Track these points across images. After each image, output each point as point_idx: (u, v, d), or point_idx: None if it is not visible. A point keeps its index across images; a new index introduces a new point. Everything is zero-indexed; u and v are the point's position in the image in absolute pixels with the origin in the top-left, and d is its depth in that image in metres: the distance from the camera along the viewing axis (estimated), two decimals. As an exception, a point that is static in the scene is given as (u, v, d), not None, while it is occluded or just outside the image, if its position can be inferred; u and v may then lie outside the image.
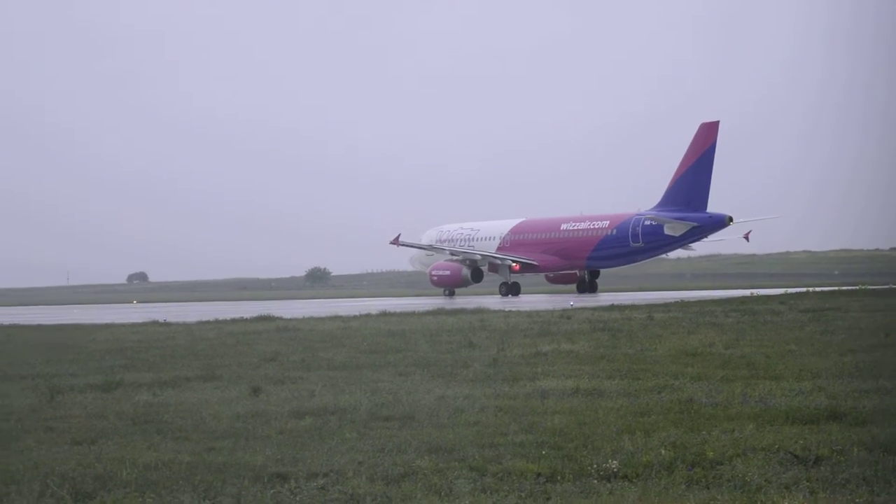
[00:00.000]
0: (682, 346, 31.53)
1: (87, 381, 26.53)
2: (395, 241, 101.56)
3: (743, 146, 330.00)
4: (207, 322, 52.00)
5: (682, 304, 56.58)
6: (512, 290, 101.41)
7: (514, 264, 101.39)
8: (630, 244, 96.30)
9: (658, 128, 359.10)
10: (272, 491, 14.28)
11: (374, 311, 56.37)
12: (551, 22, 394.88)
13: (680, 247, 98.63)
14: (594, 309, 53.71)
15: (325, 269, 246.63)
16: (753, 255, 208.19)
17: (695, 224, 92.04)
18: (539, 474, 14.71)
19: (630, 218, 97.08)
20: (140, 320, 56.43)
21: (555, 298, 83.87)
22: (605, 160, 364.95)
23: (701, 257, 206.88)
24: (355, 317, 52.09)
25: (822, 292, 71.26)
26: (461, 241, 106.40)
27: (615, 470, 14.76)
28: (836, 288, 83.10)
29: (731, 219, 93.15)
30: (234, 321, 52.04)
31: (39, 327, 54.11)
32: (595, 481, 14.40)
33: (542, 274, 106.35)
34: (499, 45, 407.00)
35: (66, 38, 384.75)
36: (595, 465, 14.97)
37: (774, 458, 15.27)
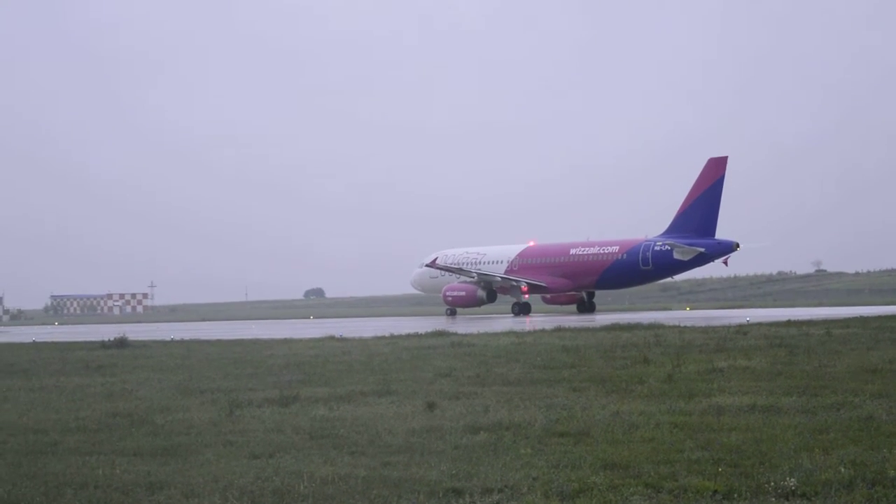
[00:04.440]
0: (862, 363, 30.92)
1: (264, 395, 26.96)
2: (432, 264, 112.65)
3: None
4: (383, 337, 52.45)
5: (862, 320, 55.50)
6: (524, 309, 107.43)
7: (524, 286, 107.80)
8: (640, 267, 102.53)
9: (654, 166, 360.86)
10: (447, 506, 14.35)
11: (548, 327, 56.28)
12: (562, 50, 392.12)
13: (686, 270, 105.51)
14: (770, 325, 52.98)
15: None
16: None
17: (702, 250, 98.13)
18: (716, 491, 14.56)
19: (640, 243, 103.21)
20: (317, 335, 57.09)
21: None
22: (597, 195, 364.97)
23: (881, 272, 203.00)
24: (529, 332, 52.12)
25: None
26: (467, 264, 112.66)
27: (793, 488, 14.55)
28: None
29: (737, 245, 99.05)
30: (408, 336, 52.37)
31: (219, 342, 55.07)
32: (773, 499, 14.21)
33: (540, 295, 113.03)
34: (508, 74, 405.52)
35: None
36: (773, 483, 14.76)
37: (959, 478, 14.92)
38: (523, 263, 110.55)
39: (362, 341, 49.65)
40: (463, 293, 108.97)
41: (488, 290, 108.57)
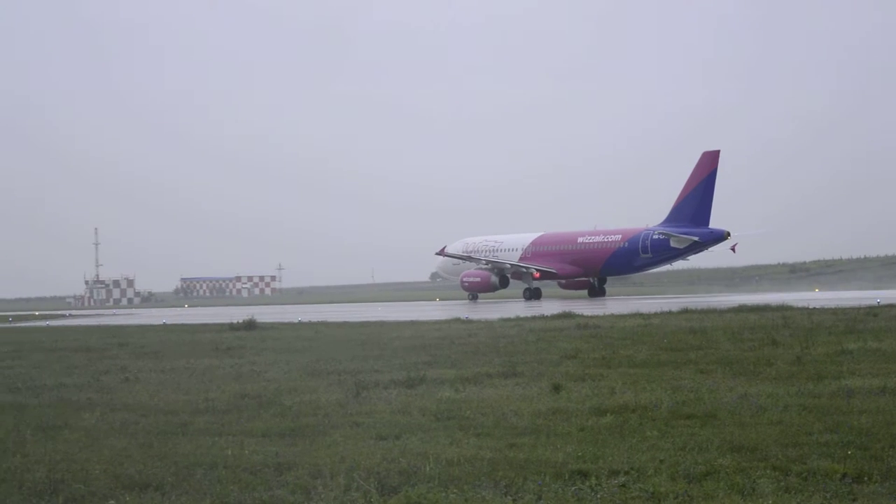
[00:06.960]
0: None
1: (391, 377, 27.07)
2: (441, 252, 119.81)
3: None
4: (509, 319, 52.49)
5: None
6: (534, 294, 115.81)
7: (535, 272, 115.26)
8: (640, 255, 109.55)
9: (659, 156, 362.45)
10: (573, 488, 14.32)
11: (675, 309, 55.94)
12: (565, 48, 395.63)
13: (683, 258, 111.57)
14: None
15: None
16: None
17: (696, 238, 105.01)
18: (845, 474, 14.38)
19: (640, 232, 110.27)
20: (442, 317, 57.27)
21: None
22: (616, 182, 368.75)
23: None
24: (656, 314, 51.85)
25: None
26: (486, 251, 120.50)
27: (925, 472, 14.34)
28: None
29: (728, 233, 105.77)
30: (534, 318, 52.38)
31: (345, 324, 55.48)
32: (903, 483, 14.02)
33: (556, 281, 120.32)
34: (518, 71, 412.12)
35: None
36: (903, 467, 14.57)
37: None
38: (536, 251, 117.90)
39: (488, 323, 49.74)
40: (478, 279, 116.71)
41: (501, 277, 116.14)
